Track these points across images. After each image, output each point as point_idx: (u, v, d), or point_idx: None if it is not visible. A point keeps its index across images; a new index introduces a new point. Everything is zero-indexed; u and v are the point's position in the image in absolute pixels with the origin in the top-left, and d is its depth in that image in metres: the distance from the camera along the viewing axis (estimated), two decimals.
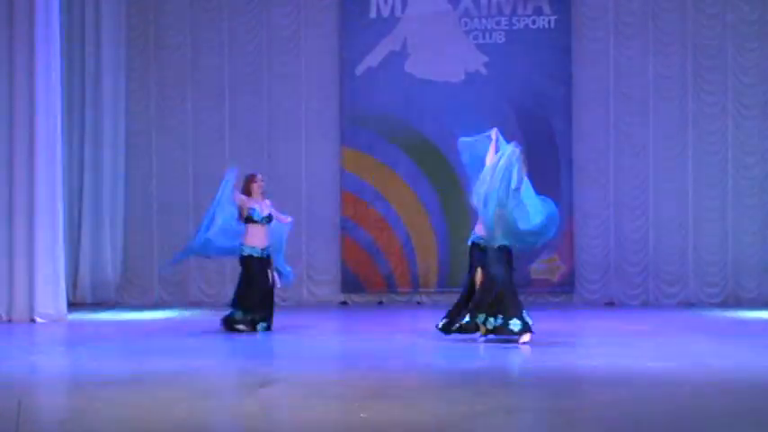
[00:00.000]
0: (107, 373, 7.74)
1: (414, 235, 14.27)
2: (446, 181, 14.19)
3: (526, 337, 9.08)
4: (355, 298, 14.41)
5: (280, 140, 14.45)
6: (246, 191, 10.50)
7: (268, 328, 10.38)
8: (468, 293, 9.42)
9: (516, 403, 6.36)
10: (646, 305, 13.86)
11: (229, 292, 14.35)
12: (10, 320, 11.74)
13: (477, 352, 8.95)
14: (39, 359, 8.97)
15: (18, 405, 5.54)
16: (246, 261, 10.44)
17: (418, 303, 14.17)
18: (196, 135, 14.55)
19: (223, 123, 14.48)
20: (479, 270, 9.32)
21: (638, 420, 5.78)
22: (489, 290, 9.14)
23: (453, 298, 14.21)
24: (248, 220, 10.40)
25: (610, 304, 13.94)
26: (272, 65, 14.51)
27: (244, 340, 9.98)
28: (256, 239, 10.40)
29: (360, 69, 14.36)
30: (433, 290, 14.26)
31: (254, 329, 10.34)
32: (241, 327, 10.33)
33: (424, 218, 14.28)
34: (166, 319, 12.39)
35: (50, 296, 11.85)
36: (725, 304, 13.72)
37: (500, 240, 9.09)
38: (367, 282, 14.31)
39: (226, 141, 14.47)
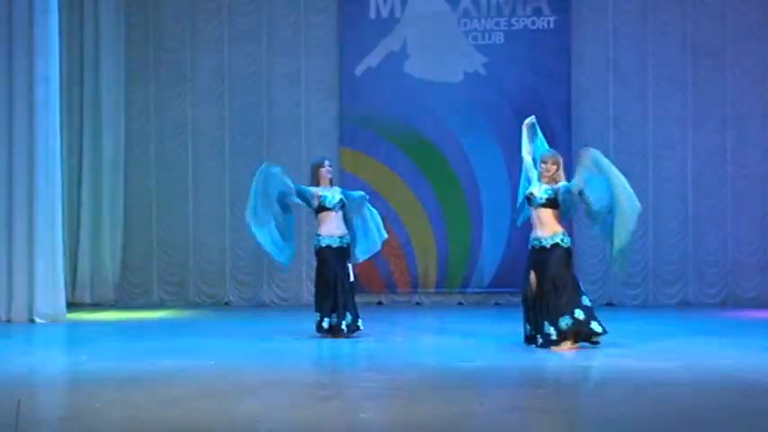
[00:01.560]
0: (107, 373, 7.74)
1: (414, 235, 14.25)
2: (446, 181, 14.18)
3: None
4: (355, 298, 14.37)
5: (279, 140, 14.44)
6: (315, 178, 10.05)
7: (352, 328, 9.91)
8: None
9: (516, 403, 6.36)
10: (645, 305, 13.86)
11: (229, 292, 14.42)
12: (9, 320, 11.73)
13: (477, 352, 8.95)
14: (39, 359, 8.97)
15: (18, 405, 5.54)
16: (323, 252, 9.93)
17: (417, 304, 14.16)
18: (196, 135, 14.54)
19: (223, 123, 14.47)
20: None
21: (638, 420, 5.79)
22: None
23: (453, 299, 14.34)
24: (321, 208, 9.92)
25: (609, 305, 13.93)
26: (272, 65, 14.50)
27: (243, 340, 9.97)
28: (333, 227, 9.91)
29: (359, 70, 14.35)
30: (432, 290, 14.25)
31: (338, 334, 9.85)
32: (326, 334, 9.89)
33: (423, 218, 14.27)
34: (166, 319, 12.38)
35: (50, 296, 11.84)
36: (725, 304, 13.72)
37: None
38: (367, 282, 14.27)
39: (226, 141, 14.45)
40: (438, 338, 10.33)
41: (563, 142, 14.05)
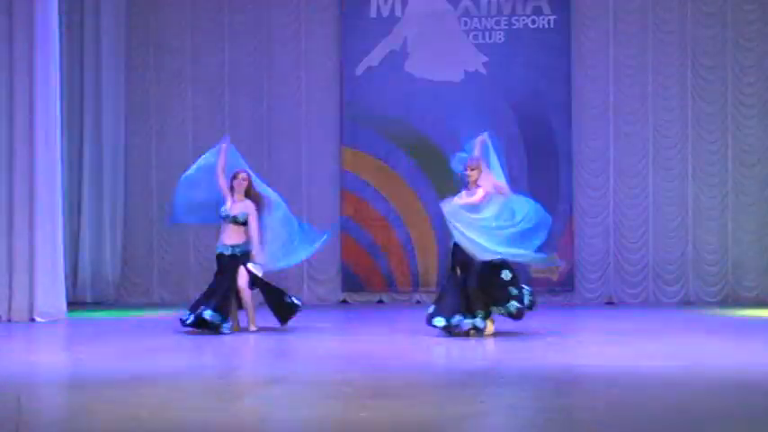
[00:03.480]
0: (107, 373, 7.74)
1: (414, 235, 14.27)
2: (446, 181, 14.15)
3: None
4: (355, 297, 14.41)
5: (280, 140, 14.45)
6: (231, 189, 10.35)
7: (234, 329, 10.28)
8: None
9: (516, 403, 6.36)
10: (645, 304, 13.86)
11: None
12: (10, 320, 11.73)
13: (477, 352, 8.95)
14: (39, 359, 8.97)
15: (18, 404, 5.54)
16: (218, 258, 10.40)
17: (418, 303, 14.16)
18: (196, 135, 14.54)
19: (223, 123, 14.48)
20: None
21: (637, 420, 5.79)
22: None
23: None
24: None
25: (610, 303, 13.94)
26: (272, 65, 14.51)
27: (243, 340, 9.98)
28: (225, 237, 10.29)
29: (360, 69, 14.36)
30: (432, 289, 14.24)
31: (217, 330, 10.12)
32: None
33: (424, 218, 14.28)
34: (166, 319, 12.38)
35: (50, 295, 11.85)
36: (725, 304, 13.72)
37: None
38: (367, 281, 14.31)
39: None
40: (438, 338, 10.32)
41: (563, 141, 14.07)
